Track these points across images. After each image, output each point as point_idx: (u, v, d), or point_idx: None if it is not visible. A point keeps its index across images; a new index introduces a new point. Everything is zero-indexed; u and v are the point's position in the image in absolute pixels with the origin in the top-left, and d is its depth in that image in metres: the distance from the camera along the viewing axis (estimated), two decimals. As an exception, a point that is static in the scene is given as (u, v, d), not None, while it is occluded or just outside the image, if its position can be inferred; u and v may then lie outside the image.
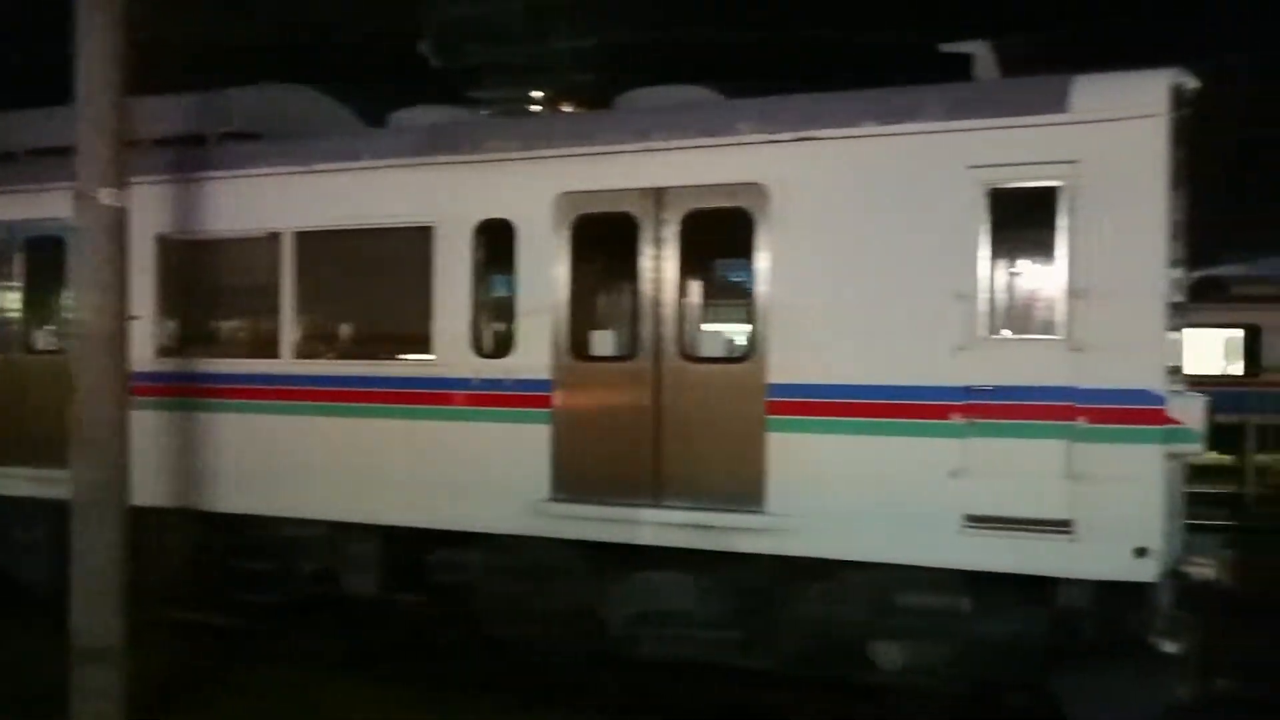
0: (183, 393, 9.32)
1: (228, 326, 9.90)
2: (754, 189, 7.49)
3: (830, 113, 7.48)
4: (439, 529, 8.37)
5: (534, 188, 8.11)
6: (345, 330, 9.27)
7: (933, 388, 7.05)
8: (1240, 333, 22.29)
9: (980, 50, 7.93)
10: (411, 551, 8.59)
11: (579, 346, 8.11)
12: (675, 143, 7.81)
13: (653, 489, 7.73)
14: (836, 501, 7.22)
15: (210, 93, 9.93)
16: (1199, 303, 22.49)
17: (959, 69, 7.90)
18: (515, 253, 8.21)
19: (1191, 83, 6.84)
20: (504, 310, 8.42)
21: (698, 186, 7.71)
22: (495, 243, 8.30)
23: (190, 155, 9.51)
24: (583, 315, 8.38)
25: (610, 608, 8.06)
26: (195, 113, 9.81)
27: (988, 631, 7.20)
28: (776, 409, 7.40)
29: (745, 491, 7.47)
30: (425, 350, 8.54)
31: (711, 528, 7.55)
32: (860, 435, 7.24)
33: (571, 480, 7.95)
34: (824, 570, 7.43)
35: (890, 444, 7.17)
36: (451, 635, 8.85)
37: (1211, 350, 22.50)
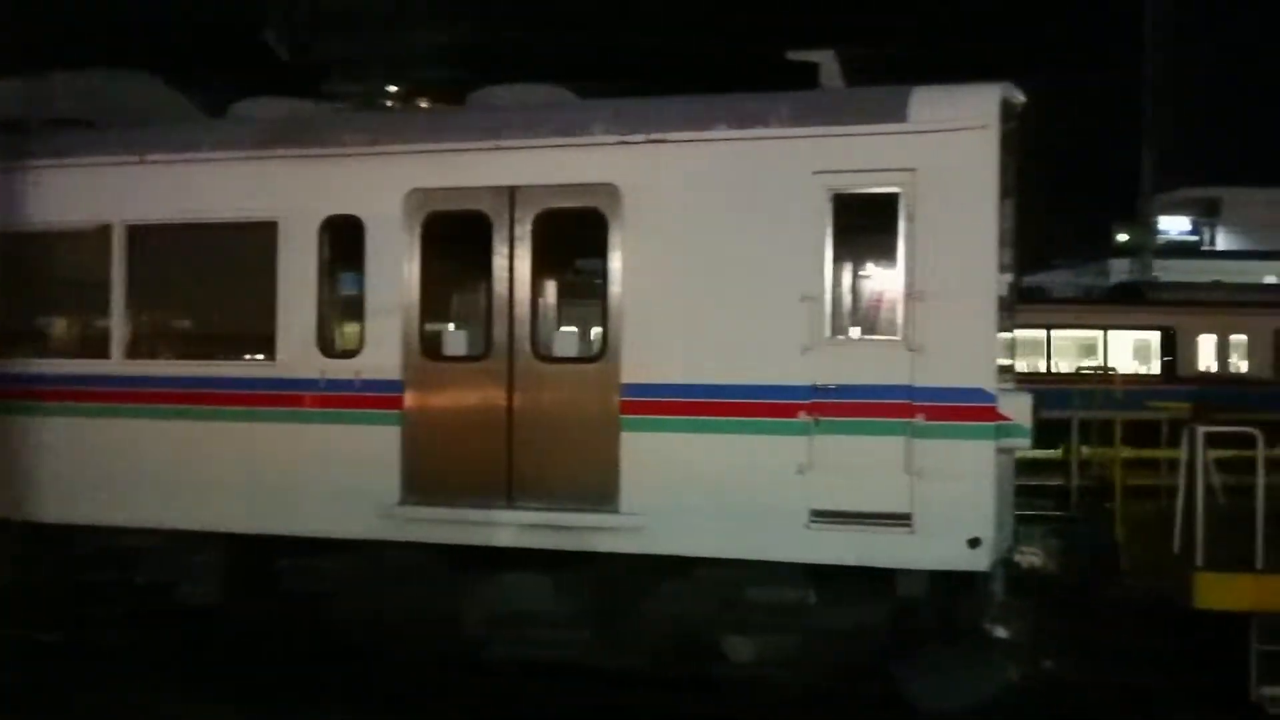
0: (5, 395, 8.72)
1: (54, 324, 9.31)
2: (607, 189, 7.52)
3: (682, 116, 7.58)
4: (286, 535, 8.08)
5: (384, 184, 7.93)
6: (182, 329, 8.88)
7: (781, 387, 7.23)
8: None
9: (826, 59, 8.16)
10: (258, 560, 8.27)
11: (431, 346, 7.97)
12: (529, 142, 7.78)
13: (506, 490, 7.67)
14: (689, 499, 7.32)
15: (34, 77, 9.32)
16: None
17: (806, 77, 8.12)
18: (364, 250, 8.00)
19: (1019, 96, 7.24)
20: (352, 309, 8.20)
21: (551, 186, 7.70)
22: (343, 239, 8.07)
23: (10, 143, 8.90)
24: (435, 314, 8.25)
25: (464, 611, 7.95)
26: (16, 97, 9.20)
27: (834, 623, 7.44)
28: (630, 409, 7.45)
29: (599, 491, 7.50)
30: (269, 350, 8.25)
31: (566, 528, 7.54)
32: (712, 434, 7.37)
33: (423, 483, 7.80)
34: (677, 567, 7.52)
35: (741, 442, 7.32)
36: (300, 645, 8.54)
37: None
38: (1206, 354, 24.13)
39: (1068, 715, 7.79)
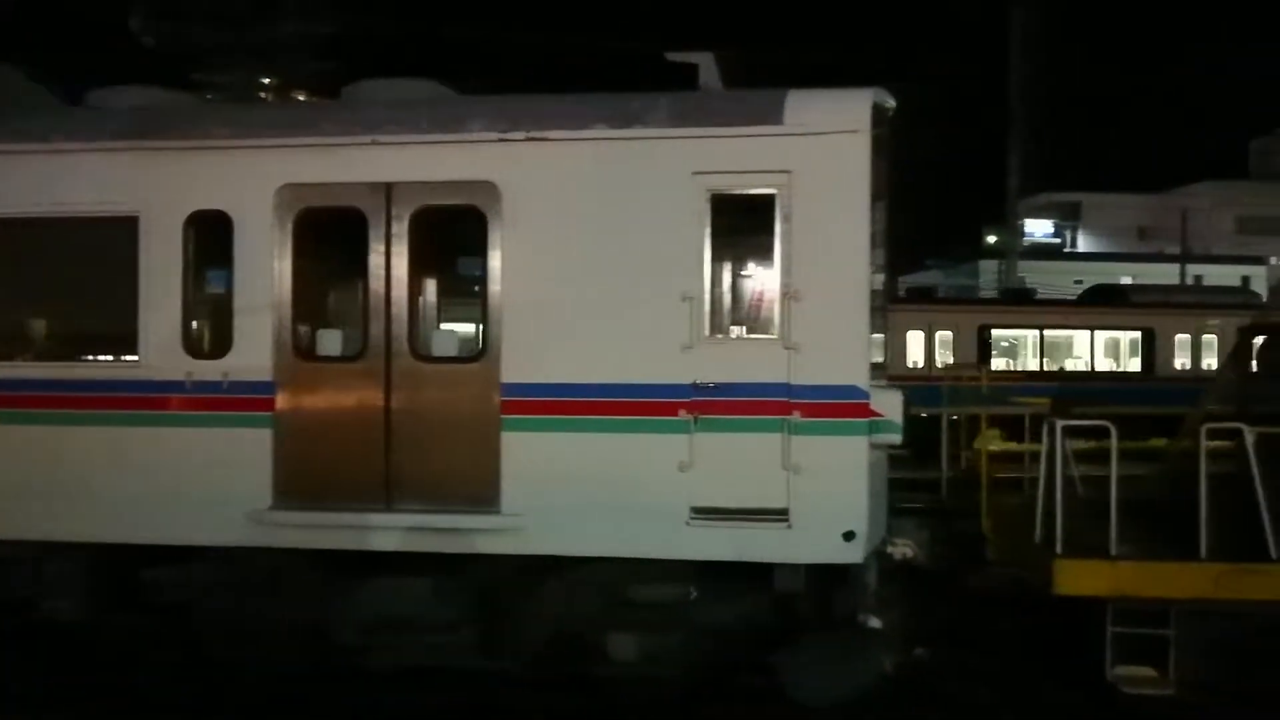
0: None
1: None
2: (485, 187, 7.44)
3: (562, 114, 7.55)
4: (152, 544, 7.74)
5: (254, 178, 7.67)
6: (40, 328, 8.38)
7: (661, 386, 7.28)
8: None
9: (705, 61, 8.24)
10: (125, 571, 7.89)
11: (304, 346, 7.75)
12: (406, 137, 7.64)
13: (384, 493, 7.52)
14: (571, 499, 7.30)
15: None
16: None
17: (685, 78, 8.18)
18: (233, 246, 7.72)
19: (890, 101, 7.44)
20: (220, 308, 7.90)
21: (429, 183, 7.57)
22: (210, 236, 7.77)
23: None
24: (308, 313, 8.01)
25: (341, 618, 7.75)
26: None
27: (714, 618, 7.53)
28: (511, 408, 7.39)
29: (480, 492, 7.41)
30: (131, 351, 7.88)
31: (446, 530, 7.44)
32: (593, 433, 7.36)
33: (296, 487, 7.58)
34: (560, 567, 7.50)
35: (622, 441, 7.34)
36: (169, 658, 8.19)
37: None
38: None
39: (937, 699, 8.07)
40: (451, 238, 8.02)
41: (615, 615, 7.55)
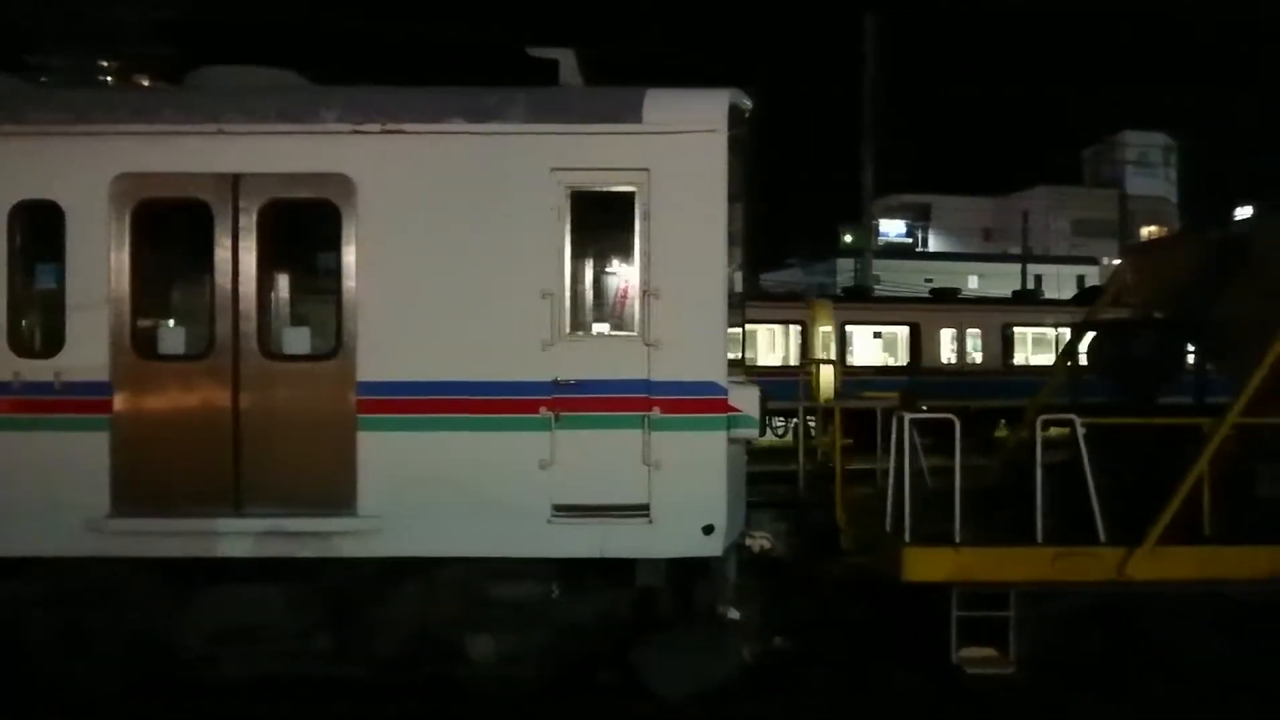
0: None
1: None
2: (339, 180, 7.24)
3: (418, 107, 7.41)
4: None
5: (88, 167, 7.25)
6: None
7: (522, 383, 7.23)
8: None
9: (565, 57, 8.21)
10: None
11: (144, 344, 7.37)
12: (255, 127, 7.35)
13: (233, 497, 7.23)
14: (430, 499, 7.18)
15: None
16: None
17: (545, 73, 8.14)
18: (65, 239, 7.28)
19: (746, 103, 7.57)
20: (51, 304, 7.44)
21: (279, 175, 7.32)
22: (39, 227, 7.31)
23: None
24: (148, 310, 7.62)
25: (186, 629, 7.42)
26: None
27: (577, 615, 7.53)
28: (367, 407, 7.22)
29: (336, 494, 7.22)
30: (-50, 350, 7.34)
31: (300, 534, 7.21)
32: (452, 431, 7.26)
33: (136, 493, 7.22)
34: (419, 569, 7.37)
35: (482, 439, 7.26)
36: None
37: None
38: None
39: (794, 686, 8.27)
40: (303, 232, 7.76)
41: (476, 616, 7.46)
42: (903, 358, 27.33)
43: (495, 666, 7.50)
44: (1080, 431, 7.78)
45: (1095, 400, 9.92)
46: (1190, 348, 10.31)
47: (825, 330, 26.76)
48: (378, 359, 7.23)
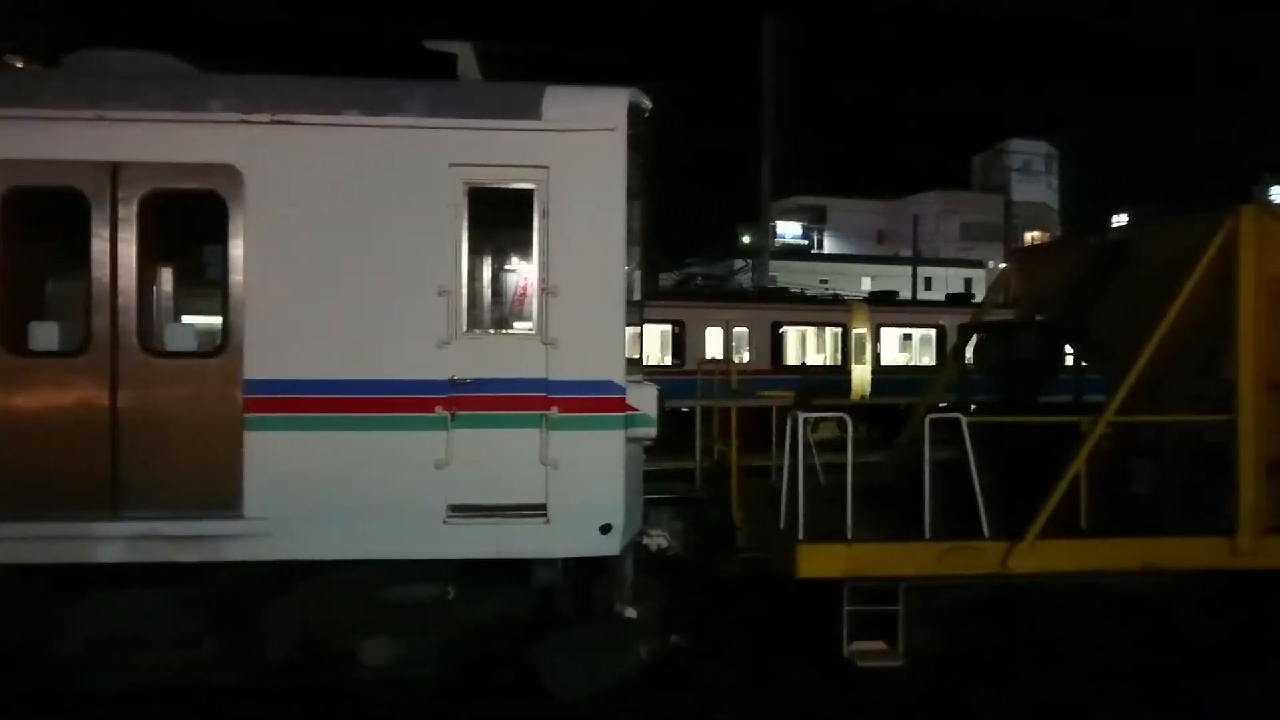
0: None
1: None
2: (226, 171, 7.01)
3: (310, 98, 7.20)
4: None
5: None
6: None
7: (417, 382, 7.11)
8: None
9: (464, 51, 8.11)
10: None
11: (12, 340, 7.00)
12: (137, 114, 7.05)
13: (110, 500, 6.92)
14: (321, 500, 7.01)
15: None
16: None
17: (443, 67, 8.02)
18: None
19: (646, 102, 7.58)
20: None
21: (163, 164, 7.03)
22: None
23: None
24: (18, 303, 7.24)
25: (59, 637, 7.08)
26: None
27: (472, 616, 7.45)
28: (255, 406, 7.00)
29: (220, 496, 6.98)
30: None
31: (182, 538, 6.95)
32: (344, 431, 7.09)
33: (8, 496, 6.85)
34: (309, 572, 7.18)
35: (375, 439, 7.11)
36: None
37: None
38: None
39: (690, 683, 8.33)
40: (188, 224, 7.48)
41: (369, 619, 7.32)
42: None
43: (389, 669, 7.36)
44: (965, 429, 8.01)
45: (982, 398, 10.25)
46: (1070, 348, 10.71)
47: (860, 332, 27.77)
48: (266, 356, 7.01)
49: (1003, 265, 14.57)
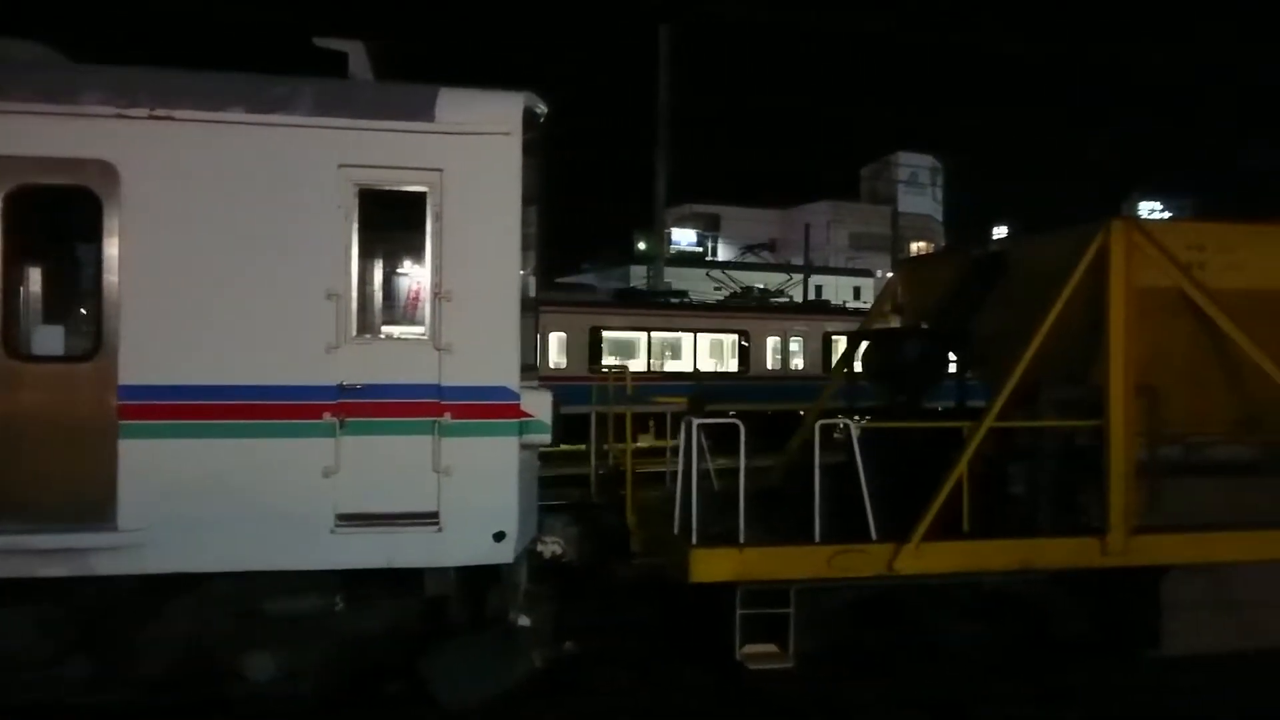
0: None
1: None
2: (101, 167, 6.70)
3: (193, 93, 6.95)
4: None
5: None
6: None
7: (304, 387, 6.93)
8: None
9: (355, 50, 7.94)
10: None
11: None
12: (4, 105, 6.68)
13: None
14: (202, 510, 6.76)
15: None
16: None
17: (333, 65, 7.84)
18: None
19: (541, 107, 7.55)
20: None
21: (30, 159, 6.69)
22: None
23: None
24: None
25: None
26: None
27: (362, 627, 7.29)
28: (130, 413, 6.71)
29: (92, 507, 6.67)
30: None
31: (49, 551, 6.60)
32: (227, 438, 6.85)
33: None
34: (190, 584, 6.92)
35: (260, 446, 6.89)
36: None
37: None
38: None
39: (584, 689, 8.31)
40: (59, 221, 7.15)
41: (253, 632, 7.09)
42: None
43: (275, 684, 7.14)
44: (854, 434, 8.19)
45: (869, 404, 10.49)
46: (953, 355, 11.05)
47: None
48: (143, 360, 6.73)
49: (890, 275, 14.97)
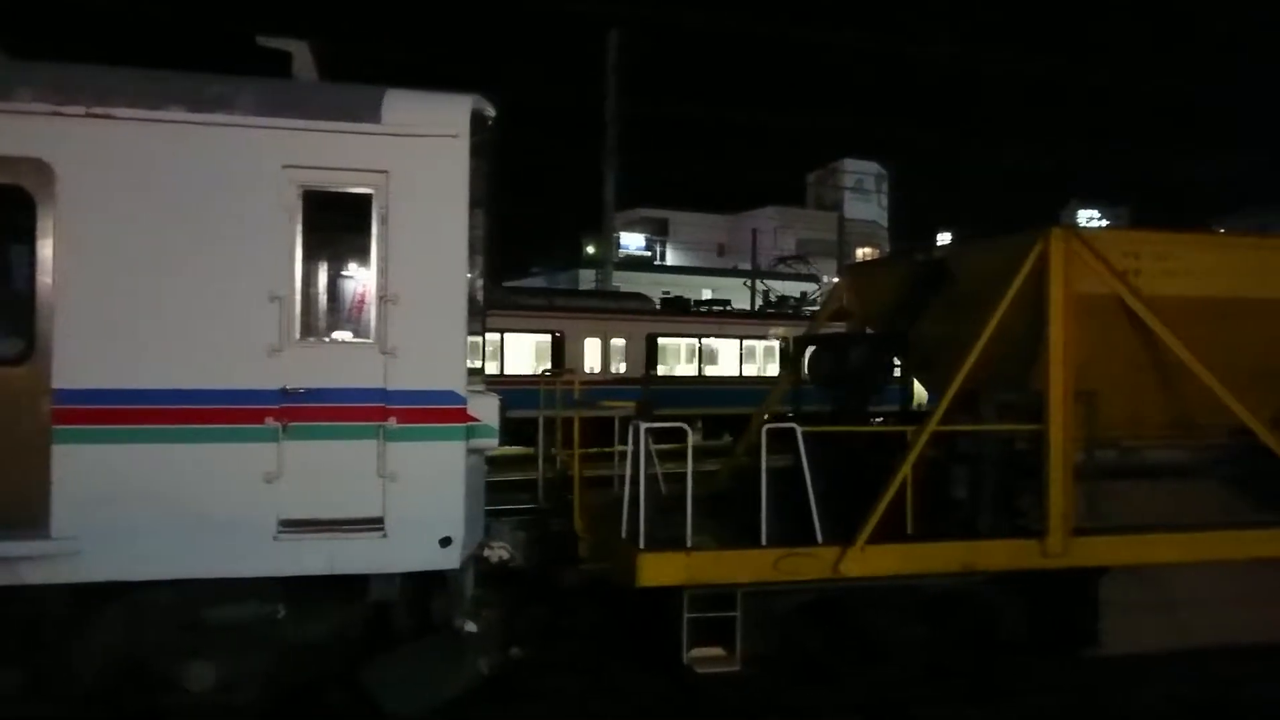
0: None
1: None
2: (35, 166, 6.53)
3: (132, 91, 6.80)
4: None
5: None
6: None
7: (246, 391, 6.81)
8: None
9: (300, 50, 7.84)
10: None
11: None
12: None
13: None
14: (140, 517, 6.61)
15: None
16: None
17: (277, 65, 7.73)
18: None
19: (490, 110, 7.51)
20: None
21: None
22: None
23: None
24: None
25: None
26: None
27: (305, 635, 7.18)
28: (65, 417, 6.54)
29: (24, 514, 6.48)
30: None
31: None
32: (167, 443, 6.71)
33: None
34: (127, 593, 6.76)
35: (201, 451, 6.76)
36: None
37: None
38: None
39: (533, 695, 8.28)
40: None
41: (192, 641, 6.95)
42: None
43: (215, 694, 7.00)
44: (800, 439, 8.25)
45: (815, 408, 10.58)
46: (898, 360, 11.19)
47: None
48: (78, 364, 6.57)
49: (836, 280, 15.14)
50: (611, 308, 29.13)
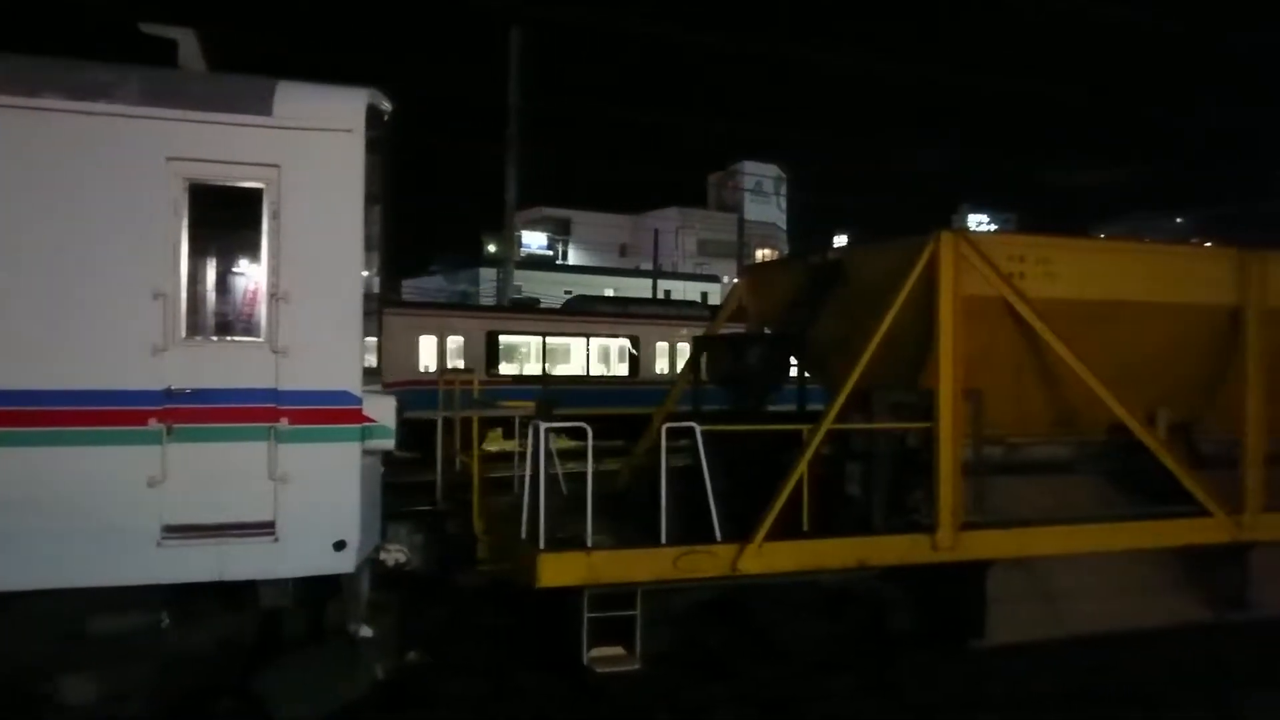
0: None
1: None
2: None
3: (5, 77, 6.46)
4: None
5: None
6: None
7: (128, 392, 6.56)
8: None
9: (186, 38, 7.57)
10: None
11: None
12: None
13: None
14: (17, 523, 6.31)
15: None
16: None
17: (162, 54, 7.45)
18: None
19: (386, 105, 7.37)
20: None
21: None
22: None
23: None
24: None
25: None
26: None
27: (192, 644, 6.95)
28: None
29: None
30: None
31: None
32: (42, 447, 6.42)
33: None
34: (4, 604, 6.43)
35: (79, 455, 6.48)
36: None
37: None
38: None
39: (431, 699, 8.17)
40: None
41: (70, 654, 6.65)
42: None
43: (95, 708, 6.72)
44: (699, 437, 8.31)
45: (714, 408, 10.69)
46: (794, 360, 11.36)
47: None
48: None
49: (735, 280, 15.34)
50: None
